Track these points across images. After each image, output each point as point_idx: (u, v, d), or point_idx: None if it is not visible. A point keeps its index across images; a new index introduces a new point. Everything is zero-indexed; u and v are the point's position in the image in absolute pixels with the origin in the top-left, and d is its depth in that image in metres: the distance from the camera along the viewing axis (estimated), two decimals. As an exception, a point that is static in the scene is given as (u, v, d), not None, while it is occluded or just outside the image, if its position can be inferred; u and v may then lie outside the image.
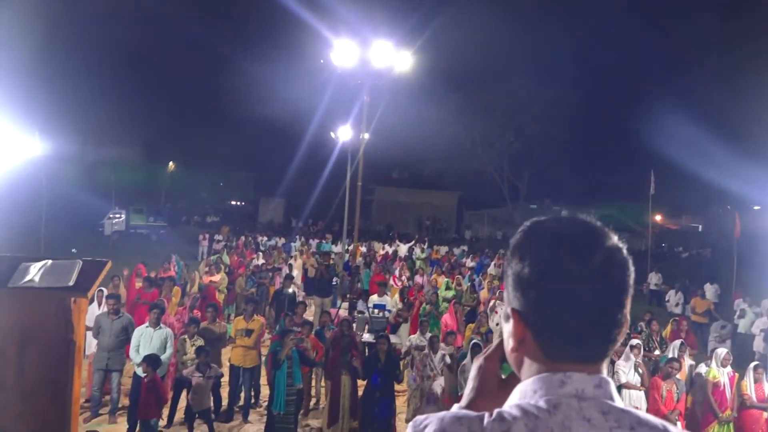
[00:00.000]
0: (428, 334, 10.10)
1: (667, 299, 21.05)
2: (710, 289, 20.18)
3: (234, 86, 42.41)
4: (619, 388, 8.89)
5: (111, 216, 35.21)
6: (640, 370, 8.83)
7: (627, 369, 8.83)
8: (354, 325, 10.45)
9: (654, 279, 25.28)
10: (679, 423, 8.45)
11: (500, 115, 38.91)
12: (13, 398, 3.33)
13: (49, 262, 3.34)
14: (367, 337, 11.69)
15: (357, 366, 8.21)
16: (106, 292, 10.03)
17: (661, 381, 8.40)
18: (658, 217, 30.68)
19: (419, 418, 1.05)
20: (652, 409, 8.41)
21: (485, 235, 51.42)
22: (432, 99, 36.34)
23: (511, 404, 1.04)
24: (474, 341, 8.56)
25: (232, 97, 43.42)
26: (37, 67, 30.01)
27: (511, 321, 1.09)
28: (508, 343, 1.11)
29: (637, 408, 8.68)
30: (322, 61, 26.69)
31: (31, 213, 24.11)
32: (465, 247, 34.31)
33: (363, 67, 16.03)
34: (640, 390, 8.74)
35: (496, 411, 1.02)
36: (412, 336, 10.50)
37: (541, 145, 39.10)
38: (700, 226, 54.69)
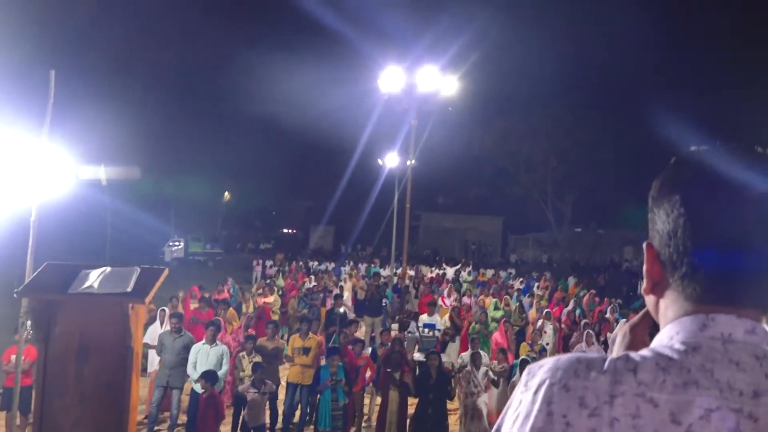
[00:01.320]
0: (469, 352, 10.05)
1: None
2: None
3: (285, 117, 43.36)
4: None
5: (171, 244, 36.36)
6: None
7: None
8: (405, 344, 10.47)
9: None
10: None
11: (544, 140, 38.61)
12: (73, 403, 3.48)
13: (108, 269, 3.51)
14: (417, 356, 11.67)
15: (408, 382, 8.22)
16: (168, 311, 10.35)
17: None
18: None
19: (533, 364, 0.94)
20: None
21: (530, 258, 50.93)
22: (476, 124, 36.55)
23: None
24: (522, 358, 8.45)
25: (283, 127, 44.38)
26: (103, 99, 31.42)
27: (645, 257, 0.97)
28: (642, 285, 0.98)
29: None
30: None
31: (95, 241, 25.08)
32: (512, 270, 34.10)
33: (409, 92, 16.21)
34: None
35: (623, 352, 0.89)
36: (464, 354, 10.43)
37: (585, 169, 38.52)
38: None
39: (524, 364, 8.23)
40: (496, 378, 9.45)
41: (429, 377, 8.15)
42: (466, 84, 19.76)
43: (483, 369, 9.19)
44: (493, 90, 33.30)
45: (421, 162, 22.28)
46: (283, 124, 44.36)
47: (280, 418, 9.51)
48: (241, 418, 8.76)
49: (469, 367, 9.13)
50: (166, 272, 3.64)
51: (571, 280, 26.83)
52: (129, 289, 3.41)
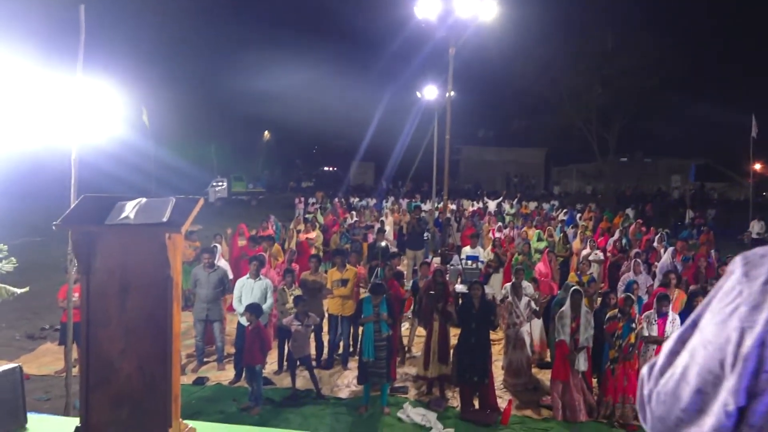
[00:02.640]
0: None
1: (770, 244, 19.78)
2: None
3: (322, 54, 42.86)
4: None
5: (214, 184, 36.86)
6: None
7: None
8: (447, 276, 10.45)
9: (757, 227, 23.76)
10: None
11: (586, 67, 37.16)
12: (118, 334, 3.51)
13: (144, 200, 3.46)
14: (460, 287, 11.68)
15: (451, 312, 8.21)
16: (220, 248, 10.65)
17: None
18: (757, 166, 28.48)
19: (748, 253, 0.91)
20: None
21: (574, 190, 50.22)
22: (516, 52, 35.26)
23: None
24: (574, 287, 8.31)
25: (319, 65, 43.90)
26: (144, 45, 31.45)
27: None
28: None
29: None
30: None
31: (141, 182, 25.57)
32: (555, 202, 33.65)
33: (447, 18, 15.63)
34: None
35: None
36: (507, 284, 10.36)
37: (630, 96, 37.06)
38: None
39: (576, 294, 8.10)
40: (537, 309, 9.39)
41: (472, 307, 8.10)
42: (505, 8, 18.94)
43: (525, 299, 9.12)
44: (534, 15, 32.00)
45: (460, 94, 21.81)
46: (321, 59, 43.88)
47: (325, 350, 9.70)
48: (286, 349, 8.97)
49: (510, 298, 9.07)
50: (201, 201, 3.58)
51: (631, 213, 26.27)
52: (165, 219, 3.36)
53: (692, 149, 48.15)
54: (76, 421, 3.60)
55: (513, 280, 10.00)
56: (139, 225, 3.35)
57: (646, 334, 7.86)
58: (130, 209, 3.39)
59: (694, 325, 0.95)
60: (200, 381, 8.63)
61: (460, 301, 10.39)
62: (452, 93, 16.58)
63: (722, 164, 48.49)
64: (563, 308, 8.18)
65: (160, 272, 3.45)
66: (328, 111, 48.56)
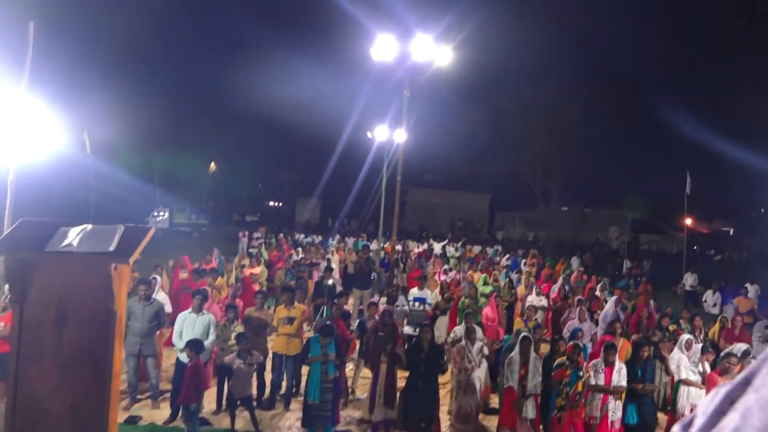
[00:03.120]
0: (463, 326, 9.92)
1: (704, 299, 20.53)
2: (751, 289, 19.46)
3: (272, 88, 42.72)
4: (678, 384, 8.53)
5: (155, 214, 35.84)
6: (701, 368, 8.44)
7: (687, 364, 8.45)
8: (393, 316, 10.28)
9: (690, 280, 24.60)
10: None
11: (533, 117, 38.32)
12: (51, 369, 3.22)
13: (89, 226, 3.23)
14: (407, 329, 11.53)
15: (401, 354, 8.03)
16: (159, 280, 10.19)
17: (718, 377, 8.00)
18: (688, 221, 29.88)
19: None
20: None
21: (517, 236, 51.17)
22: (466, 100, 36.15)
23: None
24: (523, 334, 8.27)
25: (269, 100, 43.74)
26: (85, 69, 30.66)
27: None
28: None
29: (695, 405, 8.33)
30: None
31: (78, 209, 24.61)
32: (498, 247, 34.19)
33: (402, 61, 15.81)
34: (701, 388, 8.34)
35: None
36: (457, 328, 10.29)
37: (573, 147, 38.36)
38: (732, 230, 53.64)
39: (525, 341, 8.06)
40: (488, 354, 9.31)
41: (421, 350, 7.96)
42: (459, 56, 19.28)
43: (478, 344, 9.02)
44: (485, 65, 32.88)
45: (410, 137, 21.99)
46: (271, 96, 43.72)
47: (267, 389, 9.34)
48: (225, 388, 8.59)
49: (463, 342, 8.96)
50: (152, 231, 3.36)
51: (575, 261, 26.77)
52: (112, 248, 3.13)
53: (630, 202, 49.89)
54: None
55: (462, 323, 9.94)
56: (83, 253, 3.11)
57: (593, 382, 7.85)
58: (73, 236, 3.14)
59: (746, 383, 0.84)
60: (132, 420, 8.15)
61: (407, 345, 10.26)
62: (405, 134, 16.61)
63: (657, 218, 50.43)
64: (512, 354, 8.12)
65: (102, 305, 3.20)
66: (275, 147, 48.36)
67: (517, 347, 8.12)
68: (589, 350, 9.92)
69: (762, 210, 49.47)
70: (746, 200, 49.79)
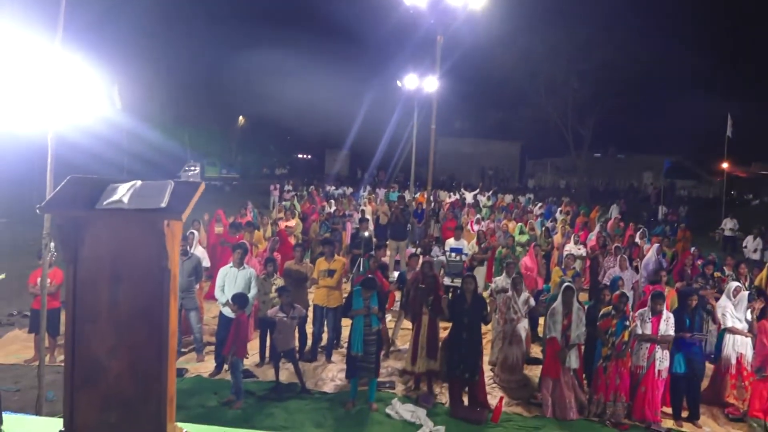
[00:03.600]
0: (504, 277, 9.82)
1: (744, 245, 20.06)
2: None
3: (299, 38, 42.16)
4: (723, 332, 8.35)
5: (187, 168, 36.07)
6: (748, 316, 8.24)
7: (734, 312, 8.25)
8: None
9: (729, 225, 24.00)
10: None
11: (565, 61, 37.15)
12: (108, 330, 3.17)
13: (139, 182, 3.12)
14: (445, 281, 11.48)
15: (443, 306, 7.96)
16: (197, 235, 10.28)
17: (769, 324, 7.81)
18: (725, 165, 29.05)
19: None
20: (759, 354, 7.86)
21: (548, 183, 50.54)
22: (497, 44, 35.08)
23: None
24: (566, 284, 8.13)
25: (297, 50, 43.21)
26: (117, 22, 30.48)
27: None
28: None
29: (742, 354, 8.16)
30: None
31: (112, 166, 24.86)
32: (531, 195, 33.82)
33: (436, 5, 15.28)
34: (747, 336, 8.16)
35: None
36: (498, 278, 10.18)
37: (606, 92, 37.21)
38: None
39: (568, 291, 7.92)
40: (535, 305, 9.22)
41: (464, 301, 7.88)
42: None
43: (524, 295, 8.93)
44: (515, 5, 31.76)
45: (441, 85, 21.54)
46: (300, 44, 43.21)
47: (308, 341, 9.41)
48: (267, 341, 8.66)
49: (510, 293, 8.87)
50: (202, 187, 3.25)
51: (615, 209, 26.29)
52: (163, 205, 3.02)
53: (664, 147, 48.76)
54: (57, 423, 3.27)
55: (503, 274, 9.82)
56: (134, 210, 3.01)
57: (639, 332, 7.71)
58: (123, 193, 3.04)
59: None
60: (179, 372, 8.27)
61: (450, 294, 10.20)
62: (438, 81, 16.24)
63: (693, 162, 49.26)
64: (555, 304, 8.00)
65: (156, 263, 3.11)
66: (304, 98, 47.96)
67: (559, 297, 8.00)
68: (630, 299, 9.75)
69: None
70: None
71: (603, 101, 38.16)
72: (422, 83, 24.20)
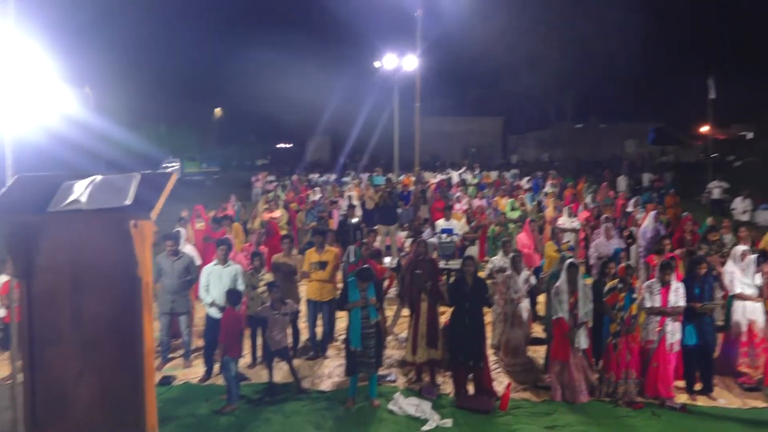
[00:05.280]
0: (501, 256, 9.45)
1: (733, 207, 19.87)
2: None
3: (274, 25, 41.32)
4: (731, 299, 8.04)
5: (165, 165, 35.28)
6: (757, 280, 7.92)
7: (741, 278, 7.93)
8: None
9: (716, 187, 23.92)
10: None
11: (544, 33, 36.68)
12: (72, 352, 2.72)
13: (98, 177, 2.66)
14: (441, 263, 11.08)
15: (442, 291, 7.54)
16: (184, 233, 9.76)
17: (781, 288, 7.50)
18: (705, 128, 28.83)
19: None
20: (773, 319, 7.55)
21: (531, 157, 50.35)
22: (476, 18, 34.51)
23: None
24: (569, 260, 7.75)
25: (272, 38, 42.41)
26: (85, 21, 29.56)
27: None
28: None
29: (752, 320, 7.86)
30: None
31: (87, 165, 24.12)
32: (516, 171, 33.59)
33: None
34: (757, 301, 7.85)
35: None
36: (495, 257, 9.80)
37: (585, 62, 36.86)
38: (751, 134, 52.30)
39: (572, 267, 7.55)
40: (536, 283, 8.85)
41: (464, 284, 7.47)
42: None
43: (524, 274, 8.54)
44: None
45: (422, 62, 21.01)
46: (274, 31, 42.39)
47: (302, 338, 9.00)
48: (259, 341, 8.24)
49: (509, 272, 8.47)
50: (174, 178, 2.80)
51: (622, 182, 25.98)
52: (128, 202, 2.57)
53: (645, 113, 48.69)
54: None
55: (500, 253, 9.45)
56: (95, 211, 2.56)
57: (648, 305, 7.37)
58: (80, 191, 2.58)
59: None
60: (166, 381, 7.81)
61: (449, 278, 9.83)
62: (419, 59, 15.75)
63: (675, 127, 49.29)
64: (559, 283, 7.63)
65: (124, 271, 2.67)
66: (281, 86, 47.19)
67: (563, 275, 7.61)
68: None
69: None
70: (765, 101, 48.36)
71: (582, 72, 37.81)
72: (401, 62, 23.62)
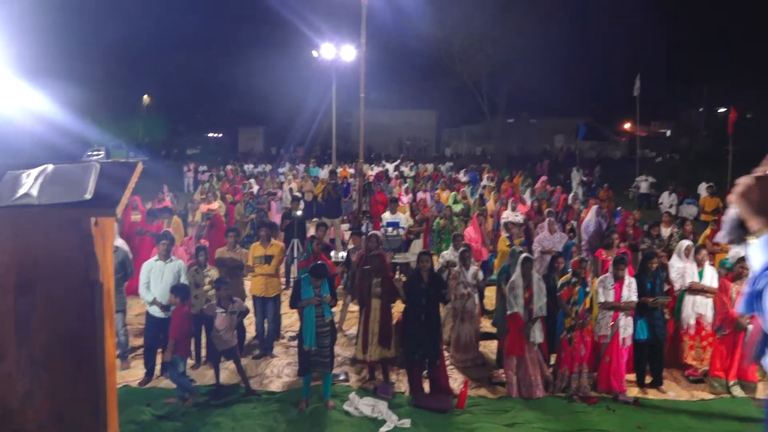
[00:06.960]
0: (451, 250, 9.31)
1: (660, 201, 20.62)
2: (703, 188, 19.48)
3: (208, 10, 40.01)
4: (683, 293, 8.16)
5: (90, 154, 33.63)
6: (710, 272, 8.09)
7: (691, 271, 8.06)
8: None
9: (644, 184, 24.83)
10: (751, 326, 7.81)
11: (478, 27, 37.02)
12: (17, 370, 2.33)
13: (50, 167, 2.27)
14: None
15: (397, 287, 7.30)
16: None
17: (730, 282, 7.64)
18: (627, 125, 29.96)
19: None
20: (720, 313, 7.70)
21: (465, 151, 51.00)
22: (410, 12, 34.48)
23: None
24: (524, 255, 7.66)
25: (206, 23, 41.08)
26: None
27: None
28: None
29: (701, 315, 8.01)
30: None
31: (13, 156, 22.65)
32: (450, 164, 33.98)
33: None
34: (707, 297, 7.99)
35: None
36: (445, 252, 9.65)
37: (518, 56, 37.48)
38: (669, 131, 54.92)
39: (527, 262, 7.47)
40: (483, 279, 8.76)
41: (420, 280, 7.26)
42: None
43: (473, 269, 8.41)
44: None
45: (359, 52, 20.68)
46: (209, 16, 41.07)
47: (248, 336, 8.62)
48: (203, 341, 7.83)
49: (458, 267, 8.32)
50: (140, 167, 2.44)
51: (576, 177, 26.45)
52: (88, 196, 2.21)
53: (573, 109, 50.03)
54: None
55: (451, 247, 9.31)
56: (48, 206, 2.18)
57: (602, 299, 7.38)
58: (30, 183, 2.20)
59: None
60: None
61: (397, 273, 9.65)
62: (365, 47, 15.45)
63: (600, 124, 50.99)
64: (514, 278, 7.53)
65: (81, 276, 2.30)
66: (213, 74, 45.91)
67: (518, 269, 7.52)
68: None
69: (700, 109, 50.38)
70: (683, 100, 50.85)
71: (515, 67, 38.38)
72: (340, 52, 23.24)
